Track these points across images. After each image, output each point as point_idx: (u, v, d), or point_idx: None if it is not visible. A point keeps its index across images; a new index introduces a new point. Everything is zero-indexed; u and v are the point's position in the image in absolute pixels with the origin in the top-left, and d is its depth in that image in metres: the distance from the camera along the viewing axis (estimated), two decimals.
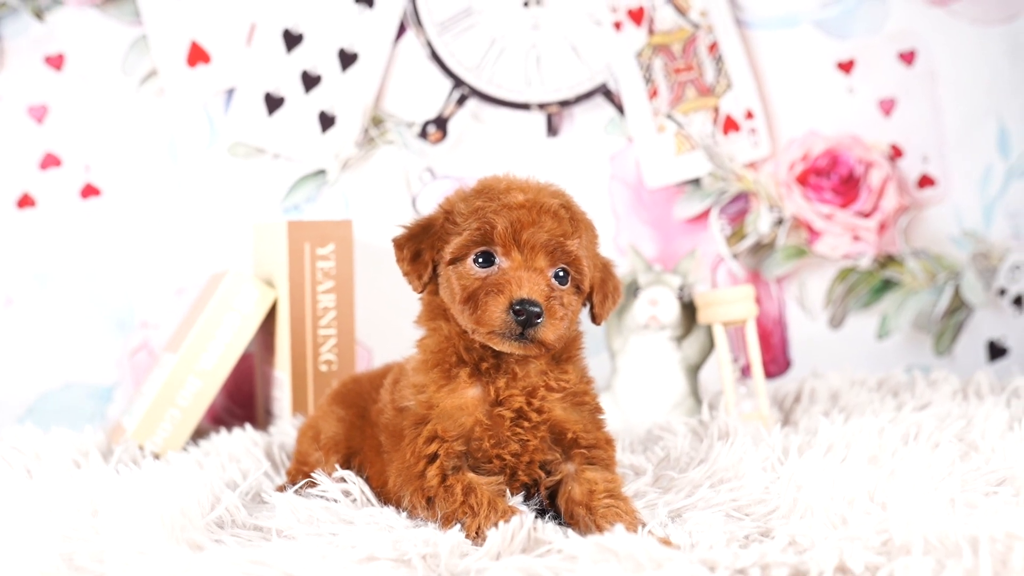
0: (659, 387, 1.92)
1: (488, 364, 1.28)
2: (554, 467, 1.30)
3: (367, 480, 1.41)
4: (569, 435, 1.29)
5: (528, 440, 1.28)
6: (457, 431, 1.27)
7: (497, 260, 1.25)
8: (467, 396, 1.28)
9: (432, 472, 1.25)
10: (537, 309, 1.20)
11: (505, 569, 1.06)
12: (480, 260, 1.25)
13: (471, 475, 1.26)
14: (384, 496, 1.36)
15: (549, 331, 1.22)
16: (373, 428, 1.40)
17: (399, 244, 1.33)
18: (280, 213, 2.15)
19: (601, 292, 1.32)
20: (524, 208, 1.24)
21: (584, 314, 1.35)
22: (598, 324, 1.34)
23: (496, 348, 1.25)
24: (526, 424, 1.28)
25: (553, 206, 1.26)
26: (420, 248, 1.30)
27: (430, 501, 1.26)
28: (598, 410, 1.34)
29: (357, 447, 1.45)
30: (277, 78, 2.14)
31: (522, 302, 1.20)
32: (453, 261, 1.27)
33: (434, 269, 1.30)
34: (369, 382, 1.50)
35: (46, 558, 1.07)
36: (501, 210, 1.24)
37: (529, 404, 1.28)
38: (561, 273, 1.26)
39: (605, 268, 1.34)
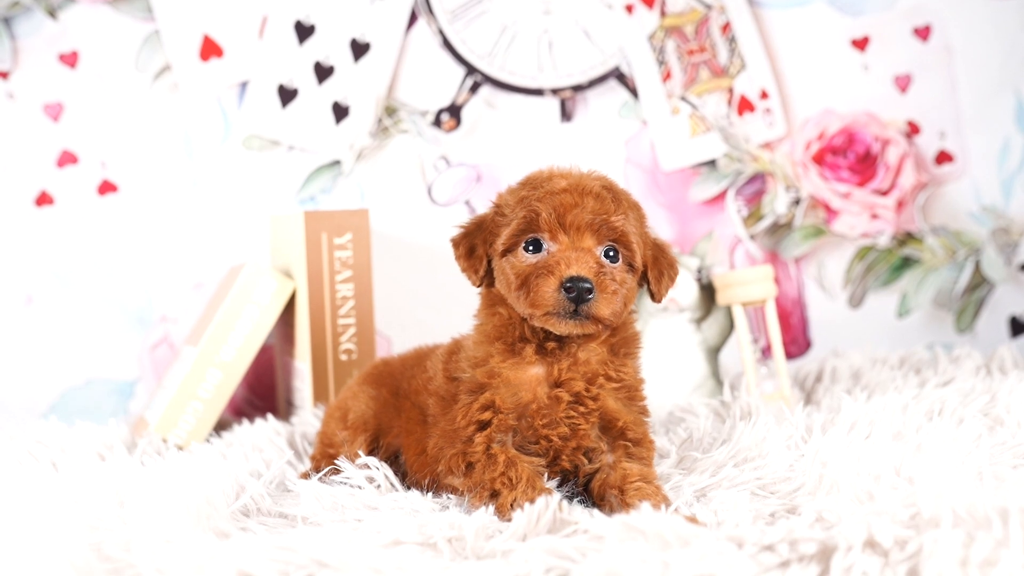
0: (680, 369, 1.92)
1: (553, 345, 1.30)
2: (596, 456, 1.32)
3: (401, 452, 1.44)
4: (619, 424, 1.32)
5: (579, 425, 1.30)
6: (514, 404, 1.29)
7: (545, 245, 1.27)
8: (530, 372, 1.30)
9: (480, 439, 1.28)
10: (588, 284, 1.23)
11: (532, 550, 1.06)
12: (530, 247, 1.28)
13: (514, 451, 1.28)
14: (417, 466, 1.39)
15: (603, 306, 1.24)
16: (409, 400, 1.43)
17: (455, 243, 1.36)
18: (296, 205, 2.16)
19: (656, 269, 1.34)
20: (567, 192, 1.27)
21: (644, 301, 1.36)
22: (657, 302, 1.36)
23: (554, 331, 1.27)
24: (581, 409, 1.30)
25: (595, 187, 1.29)
26: (474, 244, 1.34)
27: (470, 467, 1.28)
28: (645, 412, 1.36)
29: (388, 424, 1.47)
30: (290, 70, 2.14)
31: (572, 279, 1.23)
32: (505, 252, 1.30)
33: (489, 263, 1.33)
34: (400, 363, 1.53)
35: (75, 548, 1.07)
36: (544, 197, 1.27)
37: (587, 391, 1.30)
38: (611, 252, 1.28)
39: (657, 247, 1.36)
